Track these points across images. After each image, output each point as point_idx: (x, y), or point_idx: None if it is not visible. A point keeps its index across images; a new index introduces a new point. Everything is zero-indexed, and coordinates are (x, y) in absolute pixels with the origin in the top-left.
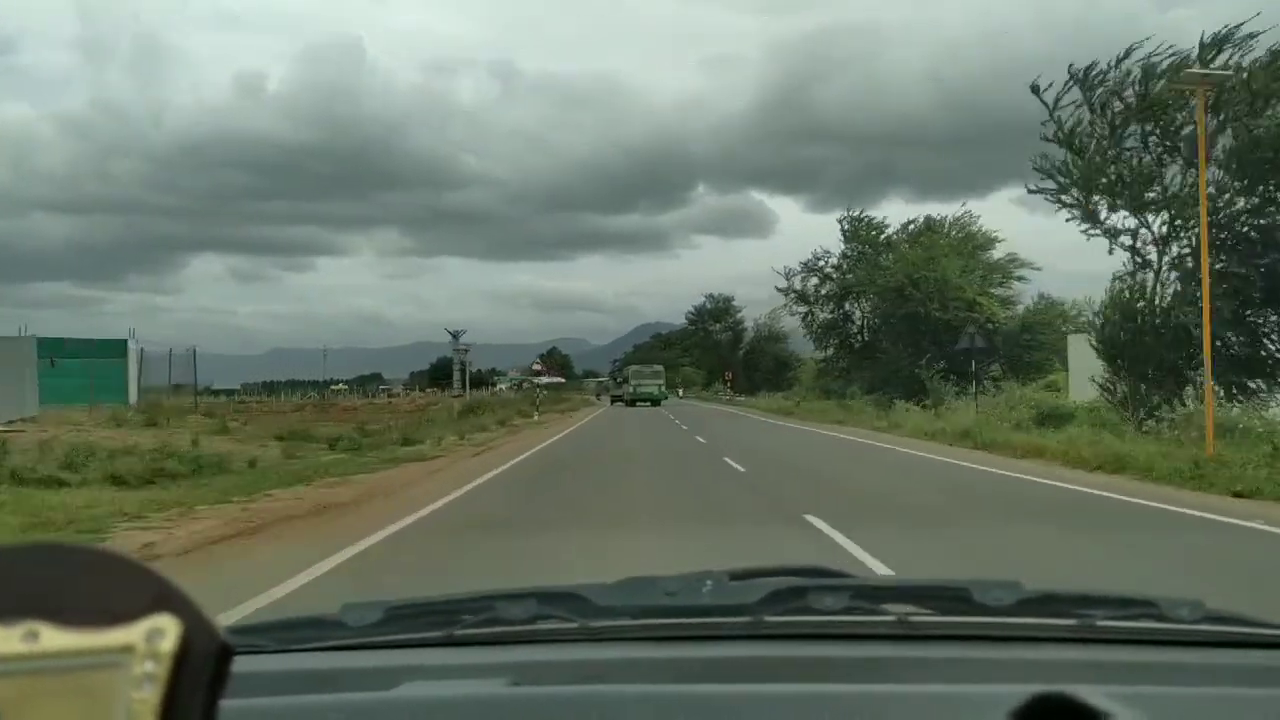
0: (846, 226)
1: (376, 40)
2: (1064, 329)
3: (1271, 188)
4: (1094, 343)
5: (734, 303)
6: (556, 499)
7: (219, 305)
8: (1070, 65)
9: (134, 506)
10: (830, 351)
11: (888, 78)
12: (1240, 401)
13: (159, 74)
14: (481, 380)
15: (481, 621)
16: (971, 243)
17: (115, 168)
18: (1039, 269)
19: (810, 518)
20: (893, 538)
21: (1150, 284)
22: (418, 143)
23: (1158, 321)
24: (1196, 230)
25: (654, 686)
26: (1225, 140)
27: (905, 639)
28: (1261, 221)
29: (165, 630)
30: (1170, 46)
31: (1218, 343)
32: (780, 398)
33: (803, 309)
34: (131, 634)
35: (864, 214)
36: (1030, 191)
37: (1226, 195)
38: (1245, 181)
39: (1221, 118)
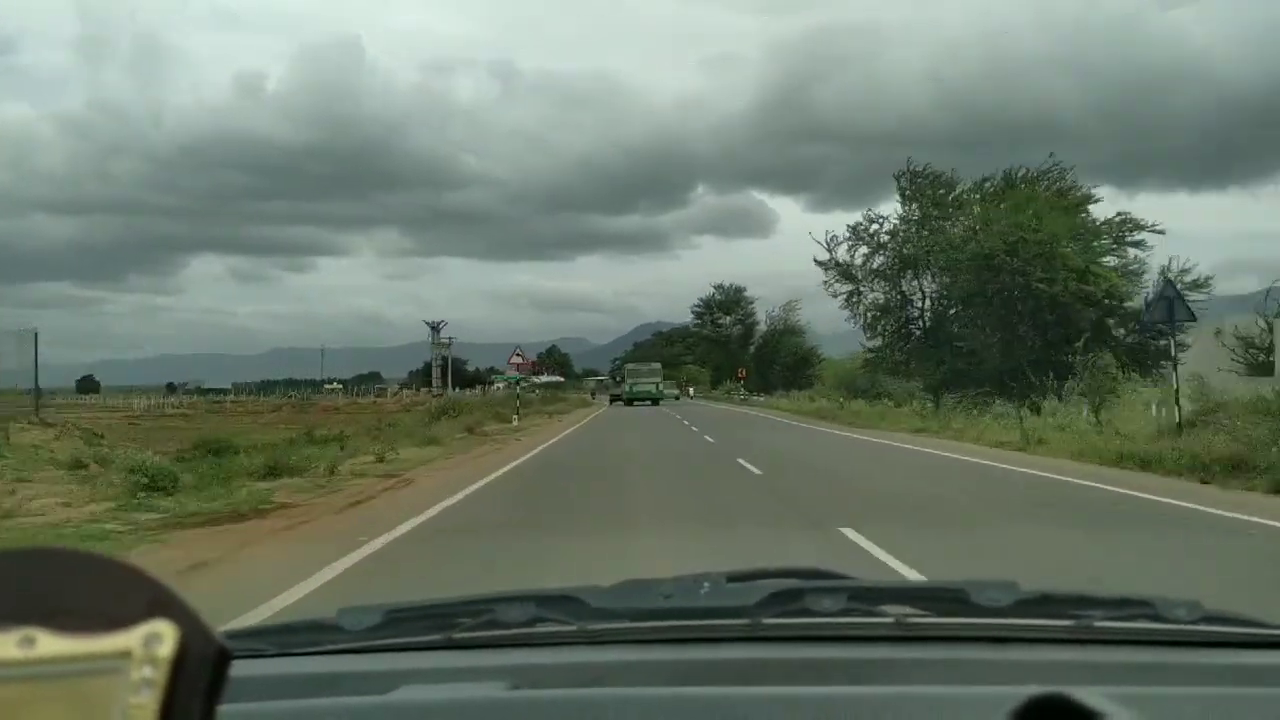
0: (905, 184)
1: (376, 40)
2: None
3: None
4: None
5: (745, 293)
6: None
7: (219, 305)
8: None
9: None
10: (882, 340)
11: (888, 77)
12: None
13: (158, 74)
14: (478, 379)
15: (479, 624)
16: (1065, 201)
17: (115, 168)
18: (1161, 231)
19: None
20: None
21: None
22: (417, 143)
23: None
24: None
25: (652, 689)
26: None
27: (903, 640)
28: None
29: (163, 635)
30: None
31: None
32: (806, 397)
33: (846, 288)
34: (129, 639)
35: (928, 168)
36: None
37: None
38: None
39: None
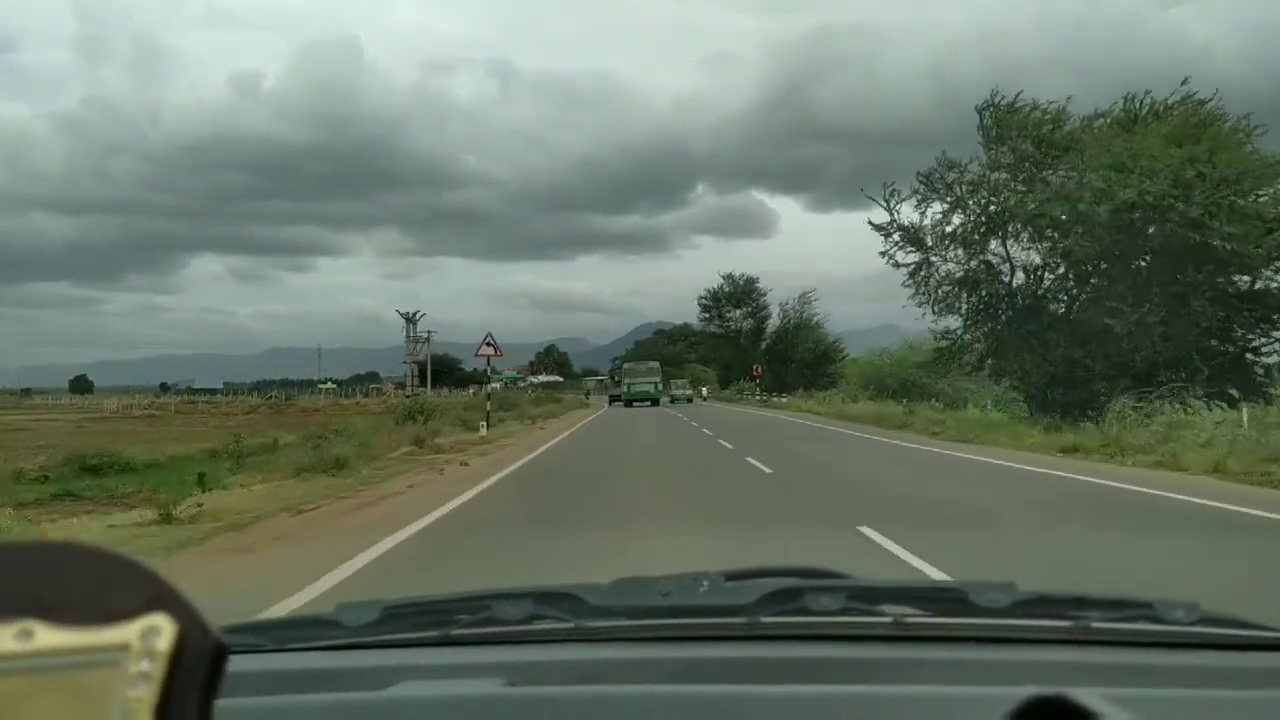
0: (991, 122)
1: (375, 39)
2: None
3: None
4: None
5: (758, 284)
6: None
7: (219, 305)
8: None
9: None
10: (964, 324)
11: (888, 77)
12: None
13: (157, 73)
14: (475, 379)
15: (477, 621)
16: (1225, 135)
17: (113, 167)
18: None
19: None
20: None
21: None
22: (417, 142)
23: None
24: None
25: (649, 687)
26: None
27: (901, 640)
28: None
29: (161, 629)
30: None
31: None
32: (839, 398)
33: (913, 257)
34: (127, 633)
35: (1020, 99)
36: None
37: None
38: None
39: None
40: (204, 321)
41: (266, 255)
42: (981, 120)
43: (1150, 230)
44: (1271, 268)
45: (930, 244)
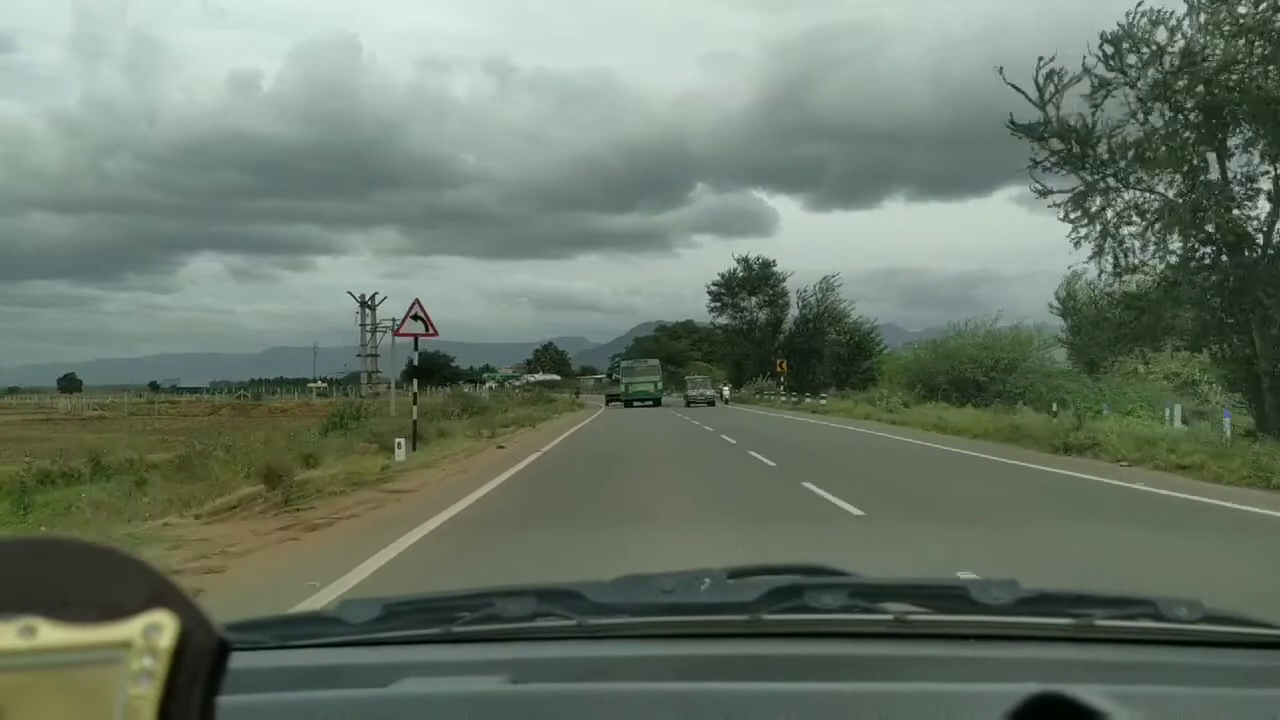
0: None
1: (373, 38)
2: None
3: None
4: None
5: (775, 269)
6: None
7: (218, 304)
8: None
9: None
10: (1158, 281)
11: (887, 75)
12: None
13: (156, 72)
14: (472, 377)
15: (480, 618)
16: None
17: (112, 166)
18: None
19: None
20: None
21: None
22: (416, 142)
23: None
24: None
25: (652, 684)
26: None
27: (903, 637)
28: None
29: (163, 626)
30: None
31: None
32: (899, 400)
33: (1068, 186)
34: (129, 630)
35: None
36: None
37: None
38: None
39: None
40: (203, 320)
41: (266, 254)
42: None
43: None
44: None
45: (1107, 156)
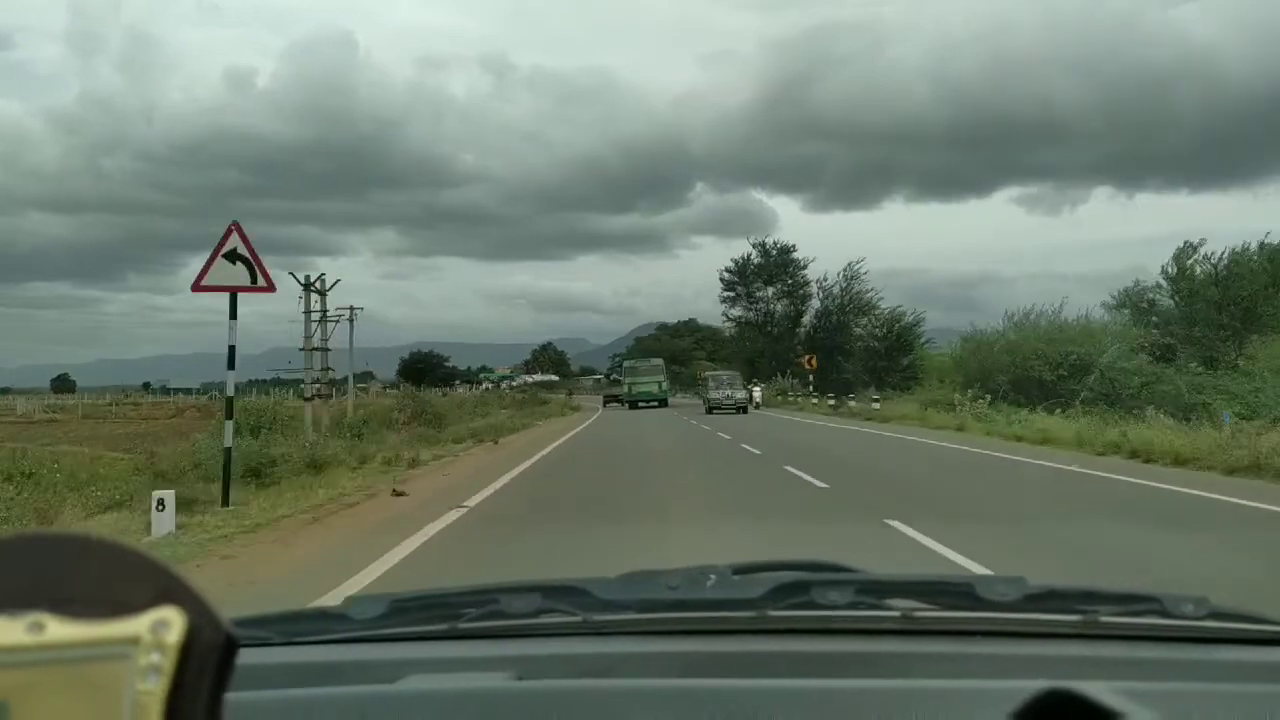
0: None
1: (371, 36)
2: None
3: None
4: None
5: (794, 254)
6: None
7: (219, 305)
8: None
9: None
10: None
11: (887, 74)
12: None
13: (153, 70)
14: (459, 377)
15: (485, 615)
16: None
17: (110, 166)
18: None
19: None
20: None
21: None
22: (415, 141)
23: None
24: None
25: (657, 680)
26: None
27: (909, 634)
28: None
29: (171, 622)
30: None
31: None
32: (998, 410)
33: None
34: (137, 625)
35: None
36: None
37: None
38: None
39: None
40: (204, 321)
41: (265, 255)
42: None
43: None
44: None
45: None
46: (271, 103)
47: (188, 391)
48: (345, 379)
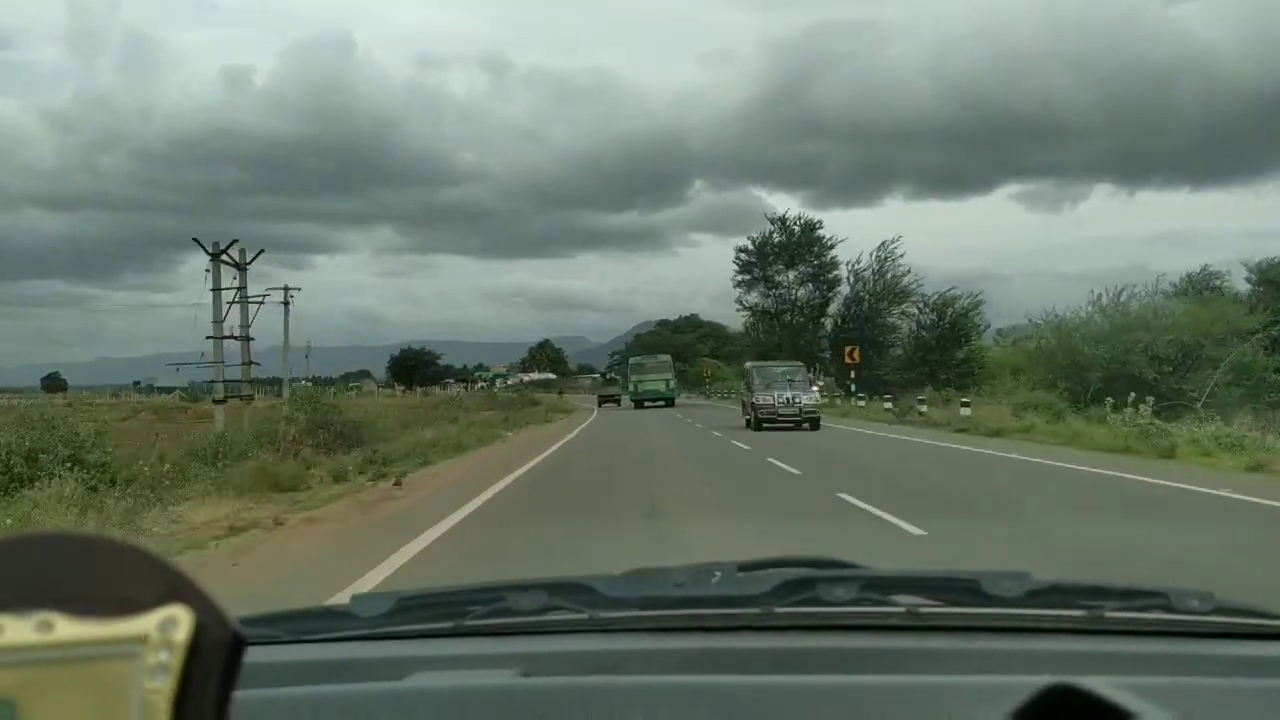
0: None
1: (370, 34)
2: None
3: None
4: None
5: (819, 232)
6: None
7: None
8: None
9: None
10: None
11: (887, 73)
12: None
13: (153, 71)
14: (454, 375)
15: (491, 612)
16: None
17: (107, 164)
18: None
19: None
20: None
21: None
22: (413, 138)
23: None
24: None
25: (663, 677)
26: None
27: (914, 630)
28: None
29: (179, 620)
30: None
31: None
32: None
33: None
34: (145, 624)
35: None
36: None
37: None
38: None
39: None
40: (204, 319)
41: (265, 253)
42: None
43: None
44: None
45: None
46: (268, 100)
47: (171, 390)
48: (284, 378)
